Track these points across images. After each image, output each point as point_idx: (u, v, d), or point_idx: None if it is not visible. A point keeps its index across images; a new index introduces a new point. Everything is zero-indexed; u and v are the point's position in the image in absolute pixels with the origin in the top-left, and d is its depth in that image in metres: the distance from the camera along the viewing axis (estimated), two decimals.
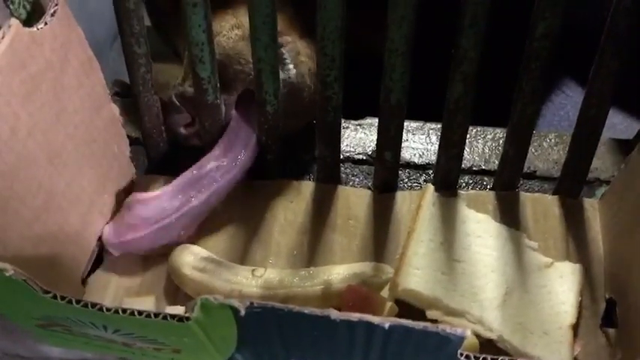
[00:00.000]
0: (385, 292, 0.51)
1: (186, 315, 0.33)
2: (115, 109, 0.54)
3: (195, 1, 0.47)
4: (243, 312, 0.30)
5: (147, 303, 0.52)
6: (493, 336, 0.48)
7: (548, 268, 0.52)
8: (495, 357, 0.32)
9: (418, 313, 0.49)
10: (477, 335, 0.48)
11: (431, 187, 0.55)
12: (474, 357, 0.32)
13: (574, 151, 0.55)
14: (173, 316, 0.34)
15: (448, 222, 0.54)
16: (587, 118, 0.52)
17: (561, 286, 0.51)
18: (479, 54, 0.48)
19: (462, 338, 0.30)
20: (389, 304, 0.49)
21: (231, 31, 0.54)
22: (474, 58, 0.48)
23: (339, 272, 0.51)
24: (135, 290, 0.54)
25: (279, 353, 0.37)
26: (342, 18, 0.46)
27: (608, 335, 0.50)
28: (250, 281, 0.51)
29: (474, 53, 0.48)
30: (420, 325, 0.30)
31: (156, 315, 0.34)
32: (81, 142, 0.50)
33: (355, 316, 0.30)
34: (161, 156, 0.60)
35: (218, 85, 0.53)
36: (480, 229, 0.54)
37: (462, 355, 0.32)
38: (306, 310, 0.30)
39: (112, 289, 0.54)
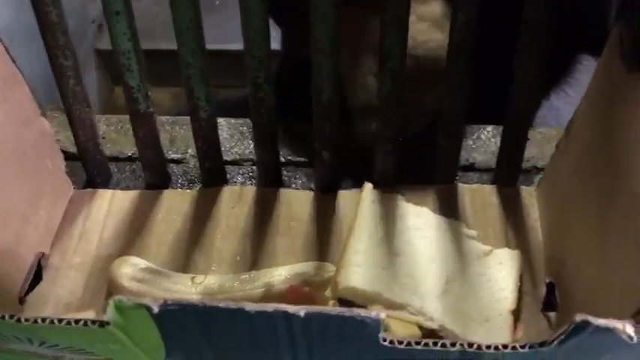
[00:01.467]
0: (329, 291, 0.51)
1: (106, 320, 0.32)
2: (46, 124, 0.53)
3: (117, 10, 0.47)
4: (156, 309, 0.30)
5: (87, 318, 0.51)
6: (434, 325, 0.48)
7: (488, 256, 0.53)
8: (419, 340, 0.32)
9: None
10: (420, 326, 0.48)
11: (369, 185, 0.56)
12: (398, 341, 0.32)
13: (507, 142, 0.56)
14: (94, 322, 0.33)
15: (387, 217, 0.54)
16: (517, 109, 0.53)
17: (500, 272, 0.52)
18: (403, 49, 0.49)
19: (377, 321, 0.30)
20: (331, 303, 0.49)
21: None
22: (399, 53, 0.49)
23: (280, 273, 0.51)
24: (75, 305, 0.53)
25: (209, 356, 0.37)
26: (264, 19, 0.47)
27: (549, 319, 0.51)
28: (190, 289, 0.50)
29: (399, 49, 0.48)
30: (335, 310, 0.30)
31: (76, 322, 0.34)
32: (9, 157, 0.49)
33: (270, 306, 0.30)
34: (99, 170, 0.60)
35: (149, 93, 0.52)
36: (420, 222, 0.54)
37: (384, 340, 0.32)
38: (221, 304, 0.30)
39: (52, 306, 0.52)
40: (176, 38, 0.49)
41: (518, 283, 0.52)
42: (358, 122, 0.57)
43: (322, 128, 0.53)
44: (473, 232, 0.54)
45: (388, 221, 0.54)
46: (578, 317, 0.30)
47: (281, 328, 0.32)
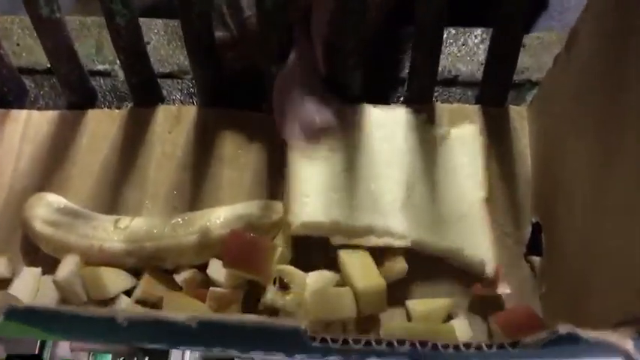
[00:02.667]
0: (280, 235, 0.44)
1: None
2: None
3: None
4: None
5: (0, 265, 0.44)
6: (406, 243, 0.42)
7: (447, 140, 0.46)
8: (346, 336, 0.25)
9: (321, 245, 0.43)
10: (389, 247, 0.42)
11: None
12: (321, 339, 0.25)
13: (497, 48, 0.46)
14: None
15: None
16: (510, 5, 0.43)
17: (465, 156, 0.45)
18: None
19: (295, 328, 0.23)
20: (279, 250, 0.42)
21: None
22: None
23: (219, 216, 0.43)
24: None
25: None
26: None
27: (532, 265, 0.44)
28: (112, 234, 0.43)
29: None
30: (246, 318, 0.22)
31: None
32: None
33: (150, 315, 0.22)
34: (9, 85, 0.50)
35: None
36: (366, 122, 0.46)
37: (313, 339, 0.25)
38: (83, 313, 0.22)
39: None
40: None
41: (485, 166, 0.45)
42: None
43: (268, 39, 0.43)
44: (423, 116, 0.47)
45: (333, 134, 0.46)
46: (563, 329, 0.22)
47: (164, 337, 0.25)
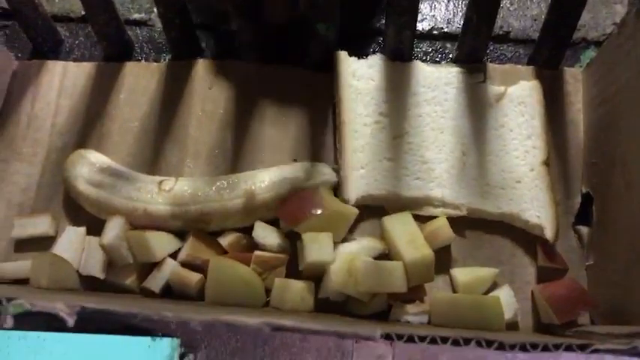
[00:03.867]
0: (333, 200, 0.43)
1: None
2: None
3: None
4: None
5: (42, 224, 0.44)
6: (462, 213, 0.42)
7: (502, 100, 0.45)
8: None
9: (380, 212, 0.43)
10: (449, 217, 0.42)
11: (343, 54, 0.45)
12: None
13: (557, 4, 0.43)
14: None
15: (378, 90, 0.44)
16: None
17: (522, 115, 0.44)
18: None
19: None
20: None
21: None
22: None
23: (263, 179, 0.42)
24: (29, 206, 0.45)
25: None
26: None
27: (580, 236, 0.43)
28: (156, 197, 0.42)
29: None
30: None
31: None
32: None
33: None
34: (44, 35, 0.48)
35: None
36: (415, 83, 0.45)
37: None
38: None
39: (2, 207, 0.45)
40: None
41: (545, 125, 0.44)
42: None
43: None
44: (476, 76, 0.46)
45: (380, 94, 0.44)
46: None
47: None
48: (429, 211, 0.43)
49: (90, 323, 0.38)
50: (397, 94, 0.44)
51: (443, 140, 0.43)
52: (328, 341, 0.36)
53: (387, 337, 0.25)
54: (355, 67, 0.45)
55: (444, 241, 0.42)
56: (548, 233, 0.42)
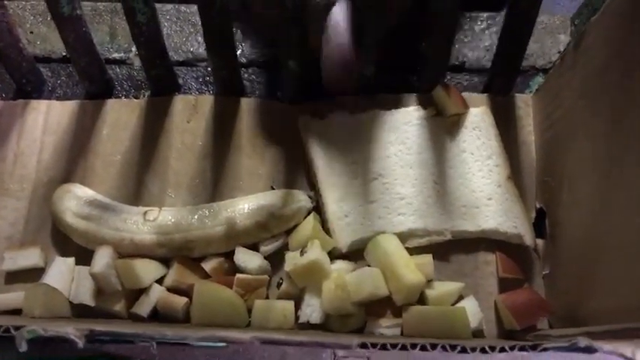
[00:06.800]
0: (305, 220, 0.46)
1: None
2: None
3: None
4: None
5: (32, 256, 0.46)
6: (447, 237, 0.46)
7: (457, 127, 0.49)
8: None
9: None
10: (432, 244, 0.45)
11: (304, 119, 0.49)
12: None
13: (508, 33, 0.47)
14: None
15: (345, 143, 0.48)
16: None
17: (479, 139, 0.48)
18: None
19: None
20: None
21: None
22: None
23: (243, 207, 0.45)
24: (18, 239, 0.47)
25: None
26: None
27: (536, 247, 0.47)
28: (142, 227, 0.45)
29: None
30: None
31: None
32: None
33: None
34: (27, 76, 0.51)
35: None
36: (377, 130, 0.48)
37: None
38: None
39: None
40: None
41: (500, 143, 0.48)
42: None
43: (288, 35, 0.45)
44: (431, 110, 0.49)
45: (347, 146, 0.48)
46: (582, 342, 0.26)
47: None
48: (415, 242, 0.45)
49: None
50: (363, 142, 0.48)
51: (414, 175, 0.47)
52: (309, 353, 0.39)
53: (364, 345, 0.29)
54: (319, 129, 0.48)
55: (426, 276, 0.45)
56: (528, 240, 0.46)
